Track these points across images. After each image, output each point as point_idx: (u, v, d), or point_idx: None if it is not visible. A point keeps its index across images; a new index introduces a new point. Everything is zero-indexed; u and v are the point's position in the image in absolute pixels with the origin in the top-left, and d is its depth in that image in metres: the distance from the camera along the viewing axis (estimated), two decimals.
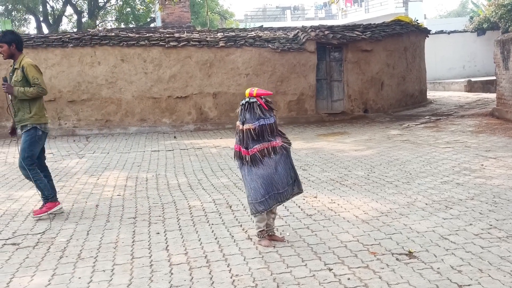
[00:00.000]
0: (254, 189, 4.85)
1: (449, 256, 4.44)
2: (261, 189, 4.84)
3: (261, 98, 4.84)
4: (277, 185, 4.87)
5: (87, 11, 33.60)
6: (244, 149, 4.84)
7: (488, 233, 4.98)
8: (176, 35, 15.06)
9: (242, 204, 6.41)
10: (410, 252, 4.57)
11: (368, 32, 15.45)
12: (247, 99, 4.85)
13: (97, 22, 33.52)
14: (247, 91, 4.88)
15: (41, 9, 31.67)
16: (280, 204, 5.04)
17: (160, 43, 14.18)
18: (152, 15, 32.23)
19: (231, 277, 4.21)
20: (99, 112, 14.07)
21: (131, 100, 14.16)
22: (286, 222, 5.62)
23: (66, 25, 37.82)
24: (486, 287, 3.84)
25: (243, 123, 4.83)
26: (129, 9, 33.48)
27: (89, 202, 6.93)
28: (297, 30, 15.69)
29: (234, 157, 5.01)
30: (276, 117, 4.99)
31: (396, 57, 16.53)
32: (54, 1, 33.38)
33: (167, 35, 14.87)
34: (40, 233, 5.60)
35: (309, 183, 7.49)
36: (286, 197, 4.98)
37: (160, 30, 18.88)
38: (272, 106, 4.94)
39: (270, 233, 5.01)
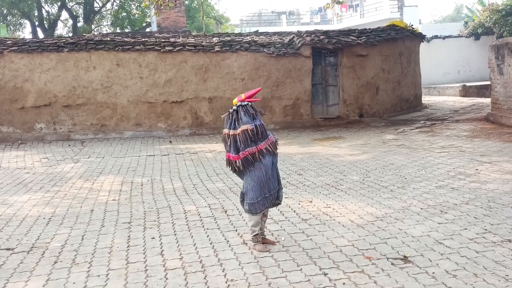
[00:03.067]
0: (247, 190, 4.90)
1: (444, 260, 4.45)
2: (251, 192, 4.86)
3: (249, 104, 4.92)
4: (265, 189, 4.88)
5: (82, 15, 33.57)
6: (234, 155, 4.85)
7: (483, 237, 4.99)
8: (172, 39, 15.06)
9: (237, 209, 6.40)
10: (405, 256, 4.58)
11: (363, 37, 15.48)
12: (238, 104, 4.88)
13: (93, 26, 33.50)
14: (235, 100, 4.95)
15: (36, 14, 31.61)
16: (266, 209, 5.03)
17: (156, 47, 14.17)
18: (148, 20, 32.21)
19: (226, 282, 4.20)
20: (94, 116, 14.04)
21: (127, 105, 14.14)
22: (281, 227, 5.62)
23: (62, 30, 37.79)
24: None
25: (234, 128, 4.85)
26: (124, 14, 33.44)
27: (84, 207, 6.91)
28: (293, 35, 15.72)
29: (227, 166, 5.07)
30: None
31: (391, 62, 16.57)
32: (50, 6, 33.32)
33: (163, 40, 14.86)
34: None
35: (304, 188, 7.49)
36: (271, 202, 4.98)
37: (156, 34, 18.87)
38: (258, 109, 5.00)
39: (261, 236, 5.01)
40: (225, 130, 4.93)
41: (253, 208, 4.88)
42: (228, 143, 4.90)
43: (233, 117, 4.87)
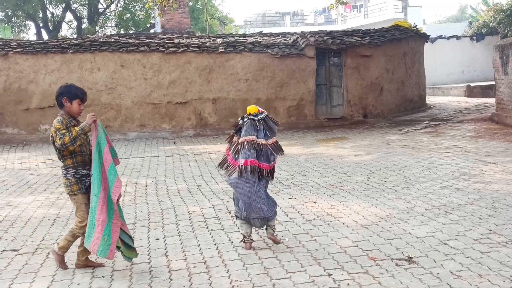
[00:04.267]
0: (268, 197, 5.01)
1: (448, 261, 4.44)
2: (271, 198, 5.05)
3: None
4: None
5: (86, 17, 33.64)
6: (267, 164, 4.85)
7: (488, 238, 4.98)
8: (176, 41, 15.09)
9: None
10: (409, 257, 4.57)
11: (367, 38, 15.47)
12: (265, 114, 4.90)
13: (97, 28, 33.56)
14: (254, 108, 4.92)
15: (41, 15, 31.69)
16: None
17: (160, 49, 14.20)
18: (152, 21, 32.25)
19: (230, 283, 4.20)
20: (98, 117, 13.96)
21: (131, 106, 14.17)
22: (285, 228, 5.62)
23: (66, 31, 37.86)
24: None
25: (266, 137, 4.85)
26: (128, 15, 33.50)
27: None
28: (297, 36, 15.71)
29: (251, 173, 4.82)
30: None
31: (395, 62, 16.54)
32: (54, 7, 33.39)
33: (167, 41, 14.89)
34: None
35: (309, 189, 7.49)
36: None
37: (160, 36, 18.90)
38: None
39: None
40: (252, 137, 4.80)
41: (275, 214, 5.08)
42: (263, 152, 4.83)
43: (262, 125, 4.85)
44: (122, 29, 33.33)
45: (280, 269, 4.43)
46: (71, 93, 4.61)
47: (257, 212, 4.86)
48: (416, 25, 19.41)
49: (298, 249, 4.93)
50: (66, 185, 4.57)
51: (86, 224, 4.47)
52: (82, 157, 4.56)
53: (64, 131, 4.43)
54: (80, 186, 4.53)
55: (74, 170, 4.53)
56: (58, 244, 4.63)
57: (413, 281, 4.07)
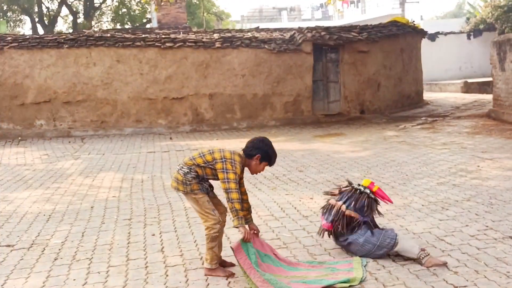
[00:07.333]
0: None
1: (445, 257, 4.43)
2: None
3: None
4: None
5: (82, 11, 33.49)
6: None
7: (484, 234, 4.98)
8: (172, 36, 15.03)
9: None
10: None
11: (365, 33, 15.44)
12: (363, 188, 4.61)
13: (93, 23, 33.41)
14: (369, 181, 4.67)
15: (36, 10, 31.54)
16: None
17: (156, 44, 14.14)
18: (148, 16, 32.17)
19: (226, 279, 4.19)
20: (94, 113, 14.02)
21: (127, 101, 14.12)
22: (282, 224, 5.61)
23: (62, 26, 37.66)
24: None
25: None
26: (124, 10, 33.38)
27: (84, 204, 6.90)
28: (294, 31, 15.68)
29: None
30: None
31: (393, 58, 16.53)
32: (50, 2, 33.24)
33: (163, 36, 14.83)
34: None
35: (305, 185, 7.47)
36: None
37: (156, 31, 18.83)
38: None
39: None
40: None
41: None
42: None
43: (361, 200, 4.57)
44: (118, 24, 33.21)
45: None
46: (268, 157, 4.25)
47: None
48: (414, 21, 19.42)
49: (295, 245, 4.92)
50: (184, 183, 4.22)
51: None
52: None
53: (234, 176, 4.11)
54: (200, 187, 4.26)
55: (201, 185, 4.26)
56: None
57: (410, 277, 4.06)
